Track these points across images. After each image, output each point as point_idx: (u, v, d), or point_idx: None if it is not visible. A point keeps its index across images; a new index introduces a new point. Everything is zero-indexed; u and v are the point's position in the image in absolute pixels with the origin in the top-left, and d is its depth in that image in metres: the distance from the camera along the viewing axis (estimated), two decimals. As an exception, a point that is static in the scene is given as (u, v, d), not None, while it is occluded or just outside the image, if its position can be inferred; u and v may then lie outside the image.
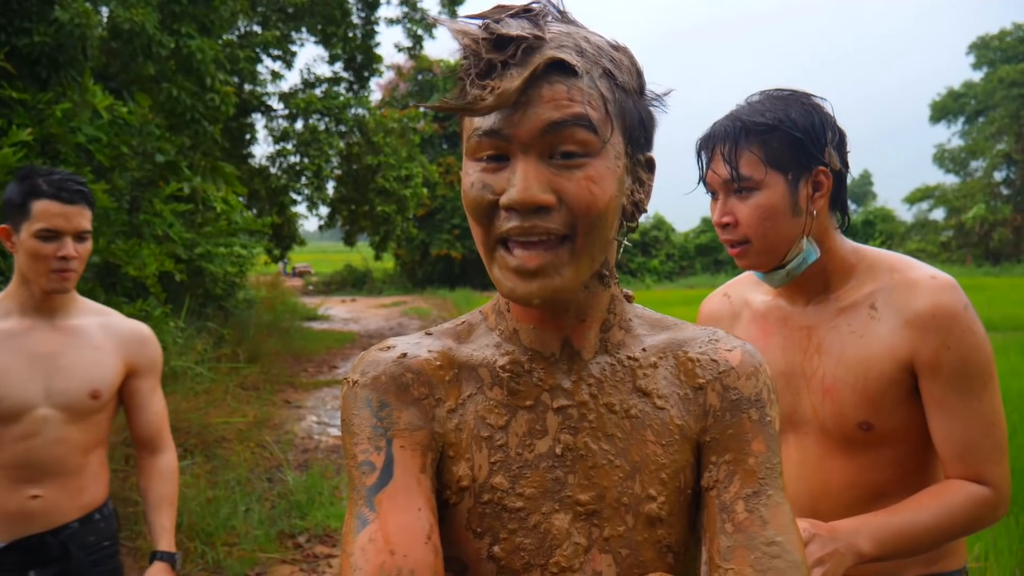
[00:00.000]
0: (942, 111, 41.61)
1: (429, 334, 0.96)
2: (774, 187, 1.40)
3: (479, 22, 0.81)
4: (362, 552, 0.79)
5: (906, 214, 42.31)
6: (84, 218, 1.97)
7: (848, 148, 1.48)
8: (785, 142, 1.39)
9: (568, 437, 0.89)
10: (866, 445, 1.44)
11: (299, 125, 14.47)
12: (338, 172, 15.35)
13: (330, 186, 15.56)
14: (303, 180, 14.64)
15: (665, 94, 0.92)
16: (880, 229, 38.42)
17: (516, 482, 0.87)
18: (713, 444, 0.90)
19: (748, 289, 1.65)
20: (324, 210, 16.20)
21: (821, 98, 1.46)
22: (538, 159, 0.81)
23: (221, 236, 8.90)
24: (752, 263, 1.47)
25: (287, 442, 6.76)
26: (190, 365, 7.06)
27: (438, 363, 0.91)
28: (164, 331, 6.26)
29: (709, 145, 1.45)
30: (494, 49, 0.79)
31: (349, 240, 17.31)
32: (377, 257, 21.73)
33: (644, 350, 0.94)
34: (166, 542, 2.07)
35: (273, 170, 14.49)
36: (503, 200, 0.81)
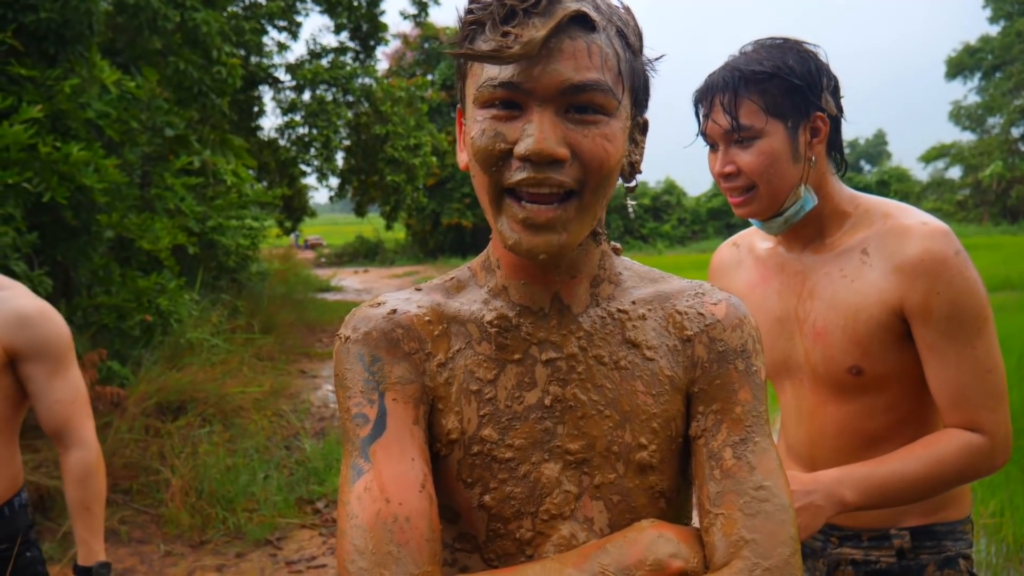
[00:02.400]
0: (958, 67, 40.95)
1: (419, 290, 0.97)
2: (775, 134, 1.41)
3: None
4: (358, 501, 0.81)
5: (922, 173, 41.92)
6: None
7: (843, 94, 1.49)
8: (784, 89, 1.40)
9: (557, 389, 0.90)
10: (858, 390, 1.46)
11: (306, 96, 14.42)
12: (347, 142, 15.32)
13: (339, 157, 15.54)
14: (312, 151, 14.61)
15: (658, 58, 0.93)
16: (895, 189, 38.05)
17: (505, 433, 0.89)
18: (701, 394, 0.92)
19: (755, 237, 1.67)
20: (334, 181, 16.19)
21: (815, 45, 1.47)
22: (554, 113, 0.81)
23: (232, 209, 8.92)
24: (754, 210, 1.48)
25: (303, 411, 6.85)
26: (206, 337, 7.14)
27: (427, 318, 0.92)
28: (179, 303, 6.32)
29: (708, 97, 1.46)
30: None
31: (360, 211, 17.32)
32: (388, 227, 21.77)
33: (633, 303, 0.95)
34: (84, 553, 1.88)
35: (282, 142, 14.48)
36: (518, 150, 0.81)
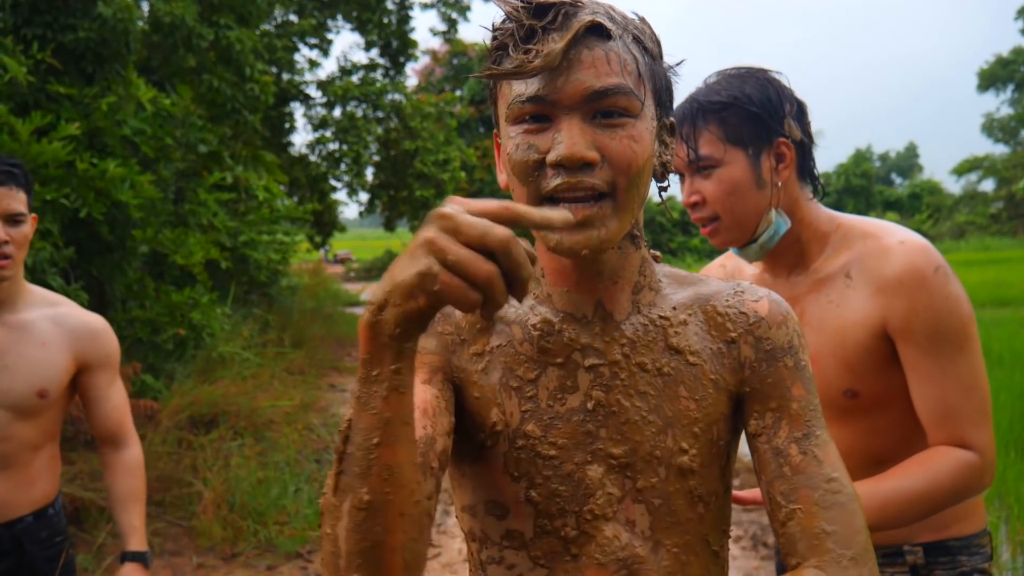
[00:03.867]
0: (990, 79, 40.49)
1: None
2: (735, 163, 1.42)
3: None
4: None
5: (954, 186, 41.45)
6: (14, 200, 1.85)
7: (808, 119, 1.49)
8: (742, 117, 1.41)
9: (600, 394, 0.92)
10: (857, 412, 1.46)
11: (337, 112, 14.58)
12: (376, 158, 15.45)
13: (369, 172, 15.67)
14: (342, 167, 14.76)
15: (678, 64, 0.97)
16: (927, 202, 37.61)
17: (548, 431, 0.91)
18: (755, 394, 0.94)
19: (740, 262, 1.66)
20: (364, 196, 16.34)
21: (777, 72, 1.48)
22: (581, 119, 0.84)
23: (264, 224, 9.03)
24: (724, 239, 1.48)
25: (333, 424, 6.88)
26: (237, 351, 7.20)
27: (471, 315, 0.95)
28: (212, 317, 6.39)
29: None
30: (534, 16, 0.83)
31: (389, 225, 17.43)
32: (417, 242, 21.80)
33: (674, 308, 0.97)
34: (136, 541, 1.98)
35: (313, 157, 14.64)
36: (550, 157, 0.84)
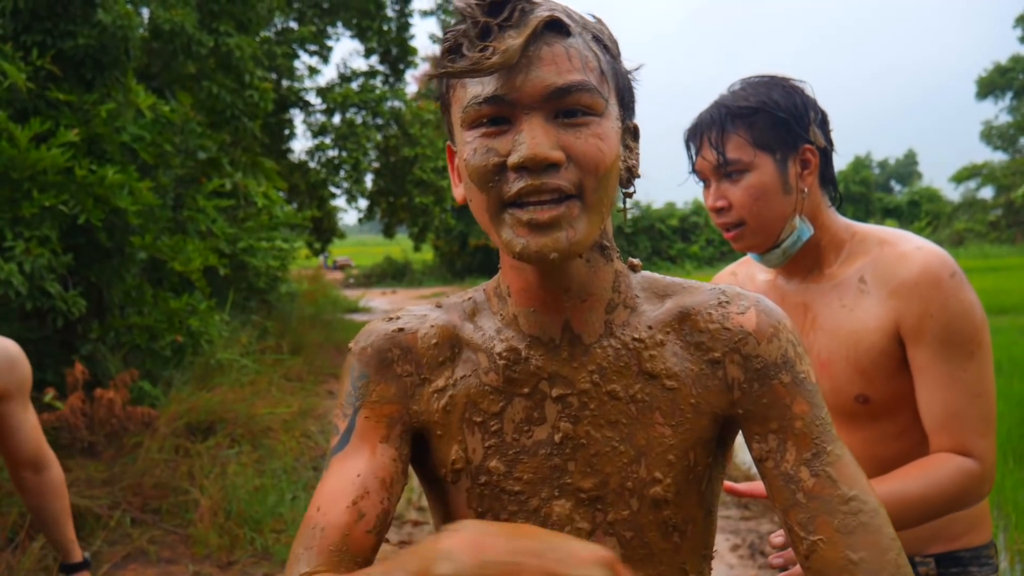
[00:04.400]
0: (989, 87, 40.59)
1: (439, 306, 0.96)
2: (763, 167, 1.42)
3: None
4: (310, 502, 0.86)
5: (953, 193, 41.44)
6: None
7: (831, 127, 1.50)
8: (770, 123, 1.42)
9: (568, 426, 0.88)
10: (868, 418, 1.46)
11: (336, 119, 14.60)
12: (376, 165, 15.47)
13: (368, 179, 15.69)
14: (342, 173, 14.78)
15: (637, 68, 0.92)
16: (926, 209, 37.62)
17: (513, 466, 0.88)
18: (749, 416, 0.88)
19: (752, 267, 1.66)
20: (363, 203, 16.34)
21: (801, 80, 1.49)
22: (544, 119, 0.80)
23: (263, 230, 9.03)
24: (748, 244, 1.49)
25: (331, 432, 6.86)
26: (235, 357, 7.19)
27: (434, 340, 0.92)
28: (210, 324, 6.38)
29: (697, 134, 1.48)
30: (489, 13, 0.79)
31: (388, 232, 17.43)
32: (416, 248, 21.86)
33: (650, 327, 0.91)
34: (76, 552, 2.04)
35: (312, 164, 14.65)
36: (512, 159, 0.79)
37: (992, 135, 40.86)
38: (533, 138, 0.79)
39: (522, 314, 0.91)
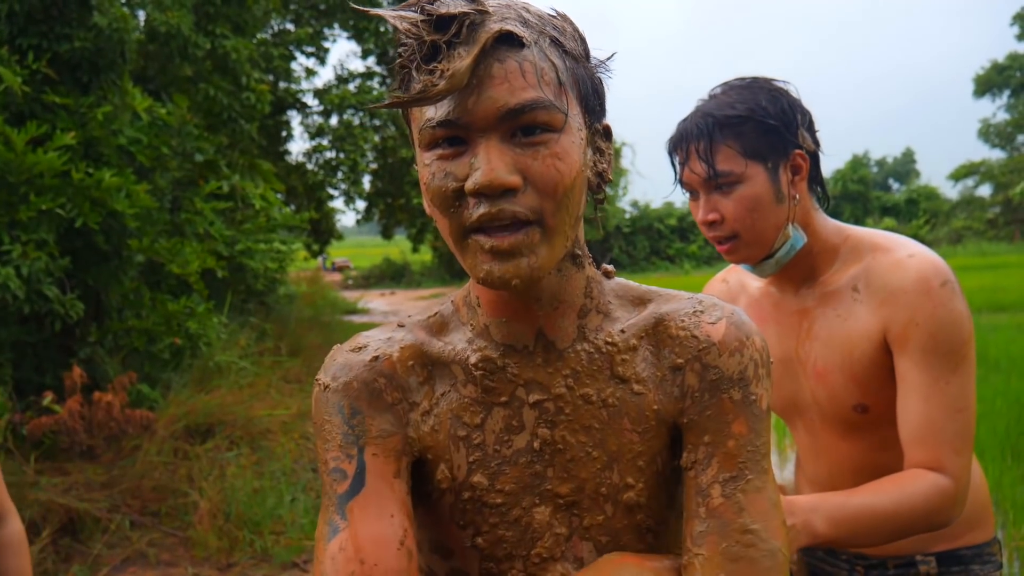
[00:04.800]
0: (986, 84, 40.62)
1: (402, 326, 0.93)
2: (755, 177, 1.38)
3: (415, 6, 0.77)
4: (332, 561, 0.79)
5: (951, 191, 41.48)
6: None
7: (817, 128, 1.46)
8: (760, 131, 1.37)
9: (545, 431, 0.87)
10: (867, 426, 1.43)
11: (334, 120, 14.61)
12: (374, 166, 15.48)
13: (366, 180, 15.70)
14: (339, 175, 14.79)
15: (609, 58, 0.89)
16: (924, 207, 37.65)
17: (495, 479, 0.87)
18: (691, 425, 0.87)
19: (743, 275, 1.63)
20: (361, 204, 16.35)
21: (784, 81, 1.44)
22: (500, 140, 0.77)
23: (260, 233, 9.03)
24: (742, 256, 1.45)
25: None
26: (234, 359, 7.19)
27: (410, 362, 0.89)
28: (208, 327, 6.38)
29: (683, 145, 1.43)
30: (436, 30, 0.75)
31: (386, 233, 17.44)
32: (415, 249, 21.88)
33: (623, 331, 0.90)
34: None
35: (310, 166, 14.66)
36: (468, 185, 0.77)
37: (990, 133, 40.90)
38: (489, 163, 0.76)
39: (493, 324, 0.89)
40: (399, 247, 28.66)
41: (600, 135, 0.89)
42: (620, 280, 0.96)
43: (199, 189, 7.55)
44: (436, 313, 0.95)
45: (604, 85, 0.88)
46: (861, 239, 1.45)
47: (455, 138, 0.78)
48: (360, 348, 0.89)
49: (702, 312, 0.90)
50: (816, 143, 1.45)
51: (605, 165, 0.89)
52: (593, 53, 0.88)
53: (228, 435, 5.73)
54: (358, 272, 34.65)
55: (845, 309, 1.41)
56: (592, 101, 0.85)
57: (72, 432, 4.72)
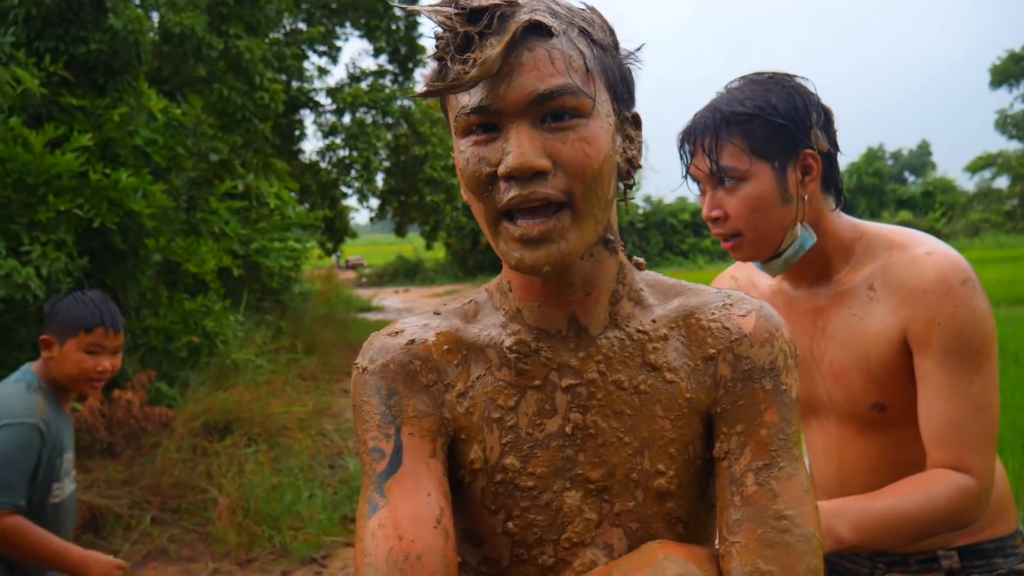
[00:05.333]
0: (1003, 75, 40.19)
1: (437, 313, 0.96)
2: (760, 176, 1.36)
3: (450, 1, 0.80)
4: (372, 537, 0.81)
5: (968, 183, 41.09)
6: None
7: (835, 126, 1.42)
8: (768, 129, 1.35)
9: (577, 416, 0.89)
10: (885, 425, 1.41)
11: (347, 119, 14.64)
12: (387, 164, 15.50)
13: (379, 178, 15.73)
14: (352, 173, 14.82)
15: (637, 49, 0.91)
16: (940, 200, 37.36)
17: (527, 462, 0.88)
18: (724, 415, 0.89)
19: (753, 272, 1.61)
20: (374, 202, 16.39)
21: (803, 78, 1.41)
22: (530, 125, 0.80)
23: (275, 231, 9.07)
24: (747, 255, 1.44)
25: (346, 430, 6.90)
26: (250, 357, 7.24)
27: (446, 346, 0.91)
28: (225, 325, 6.43)
29: (690, 139, 1.42)
30: (469, 22, 0.79)
31: (400, 231, 17.47)
32: (428, 247, 21.90)
33: (654, 321, 0.92)
34: None
35: (323, 164, 14.70)
36: (501, 169, 0.80)
37: (1007, 124, 40.45)
38: (519, 147, 0.79)
39: (526, 308, 0.91)
40: (412, 244, 28.69)
41: (629, 123, 0.91)
42: (650, 273, 0.98)
43: (214, 188, 7.60)
44: (470, 300, 0.97)
45: (633, 75, 0.90)
46: (877, 236, 1.43)
47: (488, 124, 0.81)
48: (397, 332, 0.92)
49: (732, 305, 0.93)
50: (833, 143, 1.41)
51: (635, 152, 0.91)
52: (623, 44, 0.90)
53: (246, 432, 5.77)
54: (372, 270, 34.71)
55: (861, 308, 1.39)
56: (620, 89, 0.88)
57: (93, 430, 4.78)
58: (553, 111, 0.80)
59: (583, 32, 0.84)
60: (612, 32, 0.89)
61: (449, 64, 0.79)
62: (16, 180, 4.72)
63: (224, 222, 7.41)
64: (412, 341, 0.91)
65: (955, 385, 1.29)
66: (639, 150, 0.91)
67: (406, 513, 0.82)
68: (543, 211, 0.81)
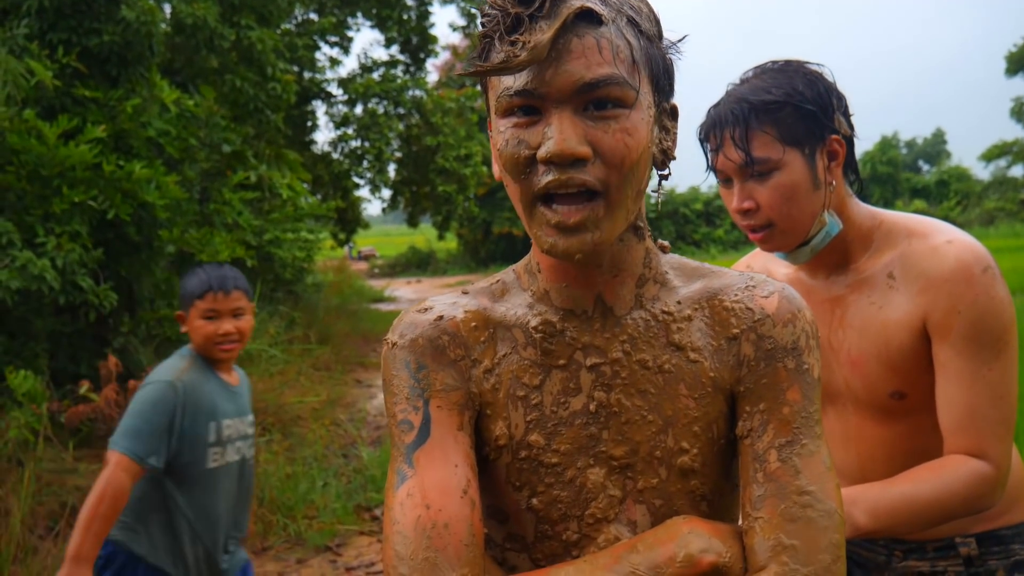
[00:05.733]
0: (1019, 63, 39.76)
1: (466, 293, 0.97)
2: (793, 164, 1.35)
3: None
4: (400, 507, 0.83)
5: (983, 172, 40.82)
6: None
7: (852, 112, 1.42)
8: (797, 116, 1.34)
9: (602, 394, 0.90)
10: (904, 412, 1.41)
11: (359, 110, 14.65)
12: (398, 154, 15.51)
13: (391, 168, 15.74)
14: (365, 164, 14.84)
15: (680, 40, 0.91)
16: (955, 189, 37.09)
17: (552, 439, 0.90)
18: (747, 393, 0.90)
19: (770, 261, 1.60)
20: (386, 193, 16.41)
21: (819, 64, 1.41)
22: (573, 112, 0.81)
23: (288, 222, 9.10)
24: (778, 245, 1.42)
25: (360, 420, 6.93)
26: (264, 348, 7.27)
27: (473, 324, 0.93)
28: (238, 316, 6.44)
29: (717, 131, 1.40)
30: (520, 3, 0.79)
31: (412, 221, 17.50)
32: (440, 237, 21.96)
33: (679, 303, 0.93)
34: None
35: (335, 155, 14.73)
36: (541, 153, 0.80)
37: (1022, 112, 40.07)
38: (561, 133, 0.79)
39: (554, 289, 0.93)
40: (425, 235, 28.74)
41: (667, 114, 0.92)
42: (674, 256, 1.00)
43: (227, 180, 7.63)
44: (498, 280, 0.99)
45: (674, 66, 0.91)
46: (896, 224, 1.42)
47: (530, 107, 0.82)
48: (427, 309, 0.94)
49: (754, 287, 0.94)
50: (852, 128, 1.42)
51: (670, 143, 0.92)
52: (666, 34, 0.91)
53: (260, 422, 5.80)
54: (384, 260, 34.78)
55: (880, 296, 1.39)
56: (662, 81, 0.89)
57: (109, 419, 4.80)
58: (597, 100, 0.81)
59: (631, 22, 0.84)
60: (658, 22, 0.90)
61: (497, 44, 0.80)
62: (30, 172, 4.75)
63: (237, 213, 7.44)
64: (441, 317, 0.92)
65: (975, 372, 1.29)
66: (674, 141, 0.92)
67: (434, 483, 0.83)
68: (579, 197, 0.82)
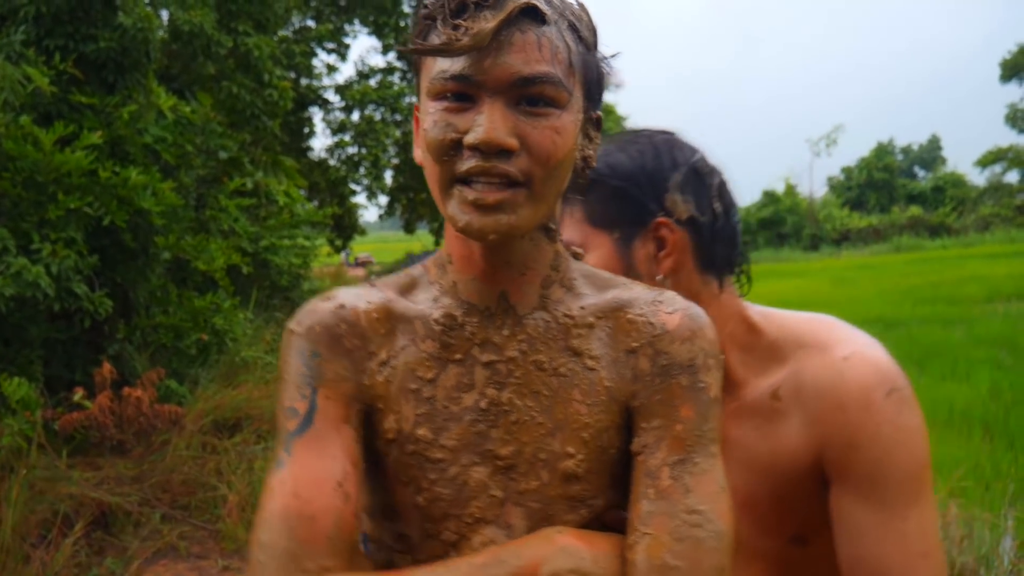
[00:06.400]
0: (1013, 69, 39.94)
1: (373, 286, 0.96)
2: (599, 248, 1.16)
3: None
4: (271, 493, 0.82)
5: (978, 178, 40.91)
6: None
7: (720, 190, 1.18)
8: (605, 194, 1.16)
9: (493, 392, 0.89)
10: (808, 564, 1.16)
11: (355, 116, 14.68)
12: (395, 161, 15.53)
13: (388, 175, 15.76)
14: (361, 170, 14.86)
15: (613, 56, 0.92)
16: (950, 195, 37.20)
17: (440, 434, 0.88)
18: (642, 409, 0.88)
19: None
20: (383, 199, 16.43)
21: (670, 132, 1.23)
22: (505, 105, 0.81)
23: (284, 229, 9.09)
24: None
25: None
26: (260, 355, 7.25)
27: (375, 315, 0.91)
28: (234, 322, 6.44)
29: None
30: None
31: (409, 228, 17.50)
32: (436, 243, 21.93)
33: (582, 308, 0.93)
34: None
35: (332, 162, 14.75)
36: (468, 139, 0.81)
37: (1017, 118, 40.21)
38: (491, 122, 0.80)
39: (461, 281, 0.92)
40: (421, 241, 28.72)
41: (592, 123, 0.92)
42: (586, 264, 0.99)
43: (223, 186, 7.62)
44: (407, 274, 0.98)
45: (606, 78, 0.92)
46: (783, 331, 1.18)
47: (464, 94, 0.82)
48: (329, 298, 0.93)
49: (661, 302, 0.92)
50: (707, 210, 1.16)
51: (591, 152, 0.92)
52: (602, 48, 0.92)
53: (255, 429, 5.79)
54: (381, 267, 34.74)
55: (765, 423, 1.15)
56: (594, 89, 0.90)
57: (103, 427, 4.80)
58: (531, 96, 0.81)
59: (572, 27, 0.86)
60: (595, 32, 0.90)
61: (439, 25, 0.81)
62: (26, 178, 4.74)
63: (233, 220, 7.43)
64: (342, 306, 0.91)
65: (886, 524, 1.03)
66: (595, 151, 0.93)
67: (307, 473, 0.82)
68: (500, 185, 0.81)
